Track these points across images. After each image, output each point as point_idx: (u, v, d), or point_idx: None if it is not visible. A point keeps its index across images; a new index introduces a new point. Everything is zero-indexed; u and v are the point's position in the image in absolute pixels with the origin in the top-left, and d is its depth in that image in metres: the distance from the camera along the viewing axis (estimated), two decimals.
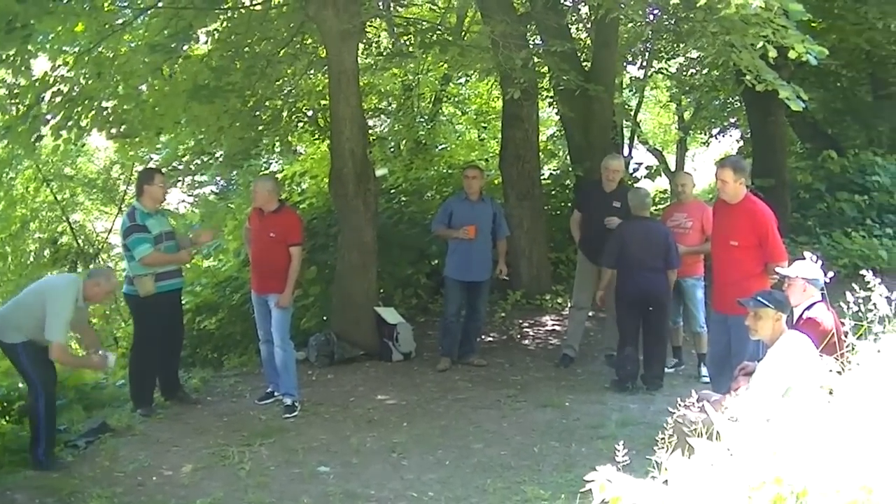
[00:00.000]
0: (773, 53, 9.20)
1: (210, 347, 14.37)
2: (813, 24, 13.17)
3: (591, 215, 11.80)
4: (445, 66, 18.97)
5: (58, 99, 12.14)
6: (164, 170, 14.01)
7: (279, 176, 17.73)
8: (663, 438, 4.45)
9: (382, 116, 22.58)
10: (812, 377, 5.18)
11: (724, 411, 3.81)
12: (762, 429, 3.49)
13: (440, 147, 21.73)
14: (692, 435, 3.92)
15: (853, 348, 4.75)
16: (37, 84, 12.06)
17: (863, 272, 5.70)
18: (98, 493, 7.67)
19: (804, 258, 7.73)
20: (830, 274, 7.49)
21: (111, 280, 9.08)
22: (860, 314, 5.57)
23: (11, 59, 11.34)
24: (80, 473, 8.26)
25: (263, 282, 10.43)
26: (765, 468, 3.20)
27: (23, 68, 11.75)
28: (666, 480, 3.33)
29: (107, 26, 12.10)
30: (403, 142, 21.57)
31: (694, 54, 20.38)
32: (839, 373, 4.36)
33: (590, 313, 12.47)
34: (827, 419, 3.56)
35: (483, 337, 13.14)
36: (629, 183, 17.15)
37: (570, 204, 15.62)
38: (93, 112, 12.78)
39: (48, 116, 12.23)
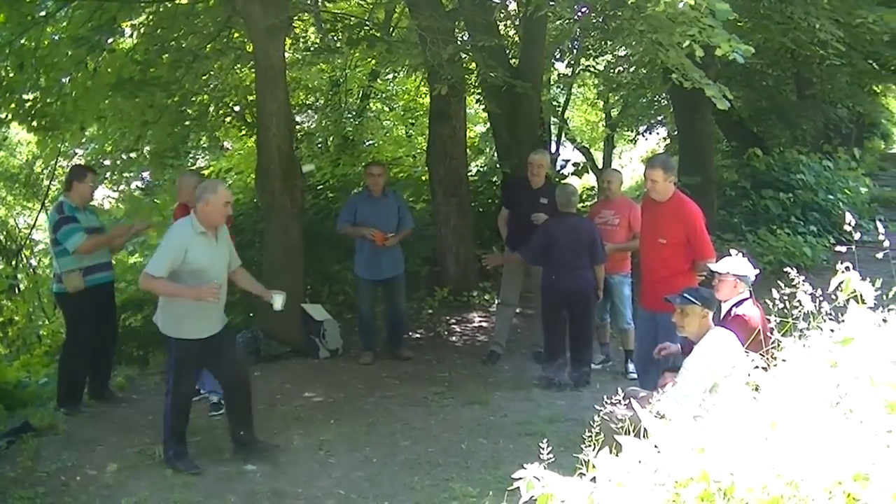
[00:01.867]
0: (699, 52, 9.27)
1: (135, 345, 14.21)
2: (739, 24, 13.29)
3: (519, 212, 11.84)
4: (373, 61, 18.95)
5: None
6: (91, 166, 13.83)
7: (205, 172, 17.60)
8: (591, 436, 4.45)
9: (310, 112, 22.49)
10: (738, 373, 5.21)
11: (652, 408, 3.81)
12: (689, 425, 3.50)
13: (368, 143, 21.71)
14: (620, 432, 3.92)
15: (779, 345, 4.79)
16: None
17: (787, 269, 5.75)
18: (20, 495, 7.55)
19: (731, 255, 7.79)
20: (756, 271, 7.55)
21: (217, 190, 8.38)
22: (785, 311, 5.62)
23: None
24: (2, 474, 8.13)
25: None
26: (692, 465, 3.21)
27: None
28: (594, 478, 3.33)
29: (29, 18, 11.95)
30: (331, 138, 21.48)
31: (622, 52, 20.51)
32: (765, 369, 4.39)
33: (517, 310, 12.47)
34: (753, 415, 3.57)
35: (410, 333, 13.14)
36: (556, 180, 17.21)
37: (497, 201, 15.62)
38: (13, 105, 12.61)
39: None
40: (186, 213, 10.32)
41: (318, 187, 17.56)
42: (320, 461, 8.52)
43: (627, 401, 5.33)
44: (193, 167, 18.60)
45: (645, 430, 3.56)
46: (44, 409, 10.05)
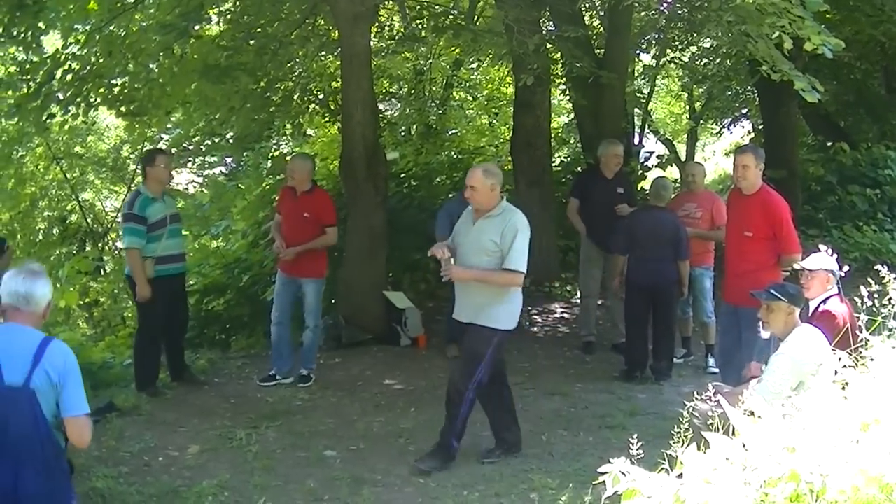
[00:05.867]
0: (789, 44, 9.14)
1: (217, 329, 14.35)
2: (828, 16, 13.09)
3: (594, 203, 11.77)
4: (457, 51, 18.94)
5: (69, 76, 12.09)
6: (173, 150, 13.98)
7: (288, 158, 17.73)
8: (674, 430, 4.40)
9: (393, 101, 22.53)
10: (825, 372, 5.13)
11: (740, 405, 3.76)
12: (778, 424, 3.45)
13: (450, 132, 21.71)
14: (707, 428, 3.88)
15: (867, 343, 4.71)
16: (48, 61, 12.03)
17: (877, 266, 5.65)
18: (104, 473, 7.63)
19: (818, 251, 7.67)
20: (846, 268, 7.41)
21: None
22: (874, 309, 5.52)
23: (23, 35, 11.31)
24: (86, 452, 8.19)
25: (294, 263, 10.42)
26: (781, 464, 3.16)
27: (34, 45, 11.72)
28: (681, 474, 3.29)
29: (118, 5, 12.07)
30: (414, 126, 21.52)
31: (707, 44, 20.31)
32: (852, 367, 4.32)
33: (598, 301, 12.40)
34: (843, 415, 3.52)
35: None
36: (639, 172, 17.11)
37: None
38: (102, 90, 12.75)
39: (59, 94, 12.19)
40: (292, 194, 10.45)
41: (401, 175, 17.58)
42: (399, 449, 8.54)
43: (716, 397, 5.25)
44: (276, 153, 18.70)
45: (733, 427, 3.51)
46: (127, 390, 10.17)
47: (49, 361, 5.16)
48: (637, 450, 3.80)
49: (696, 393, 5.51)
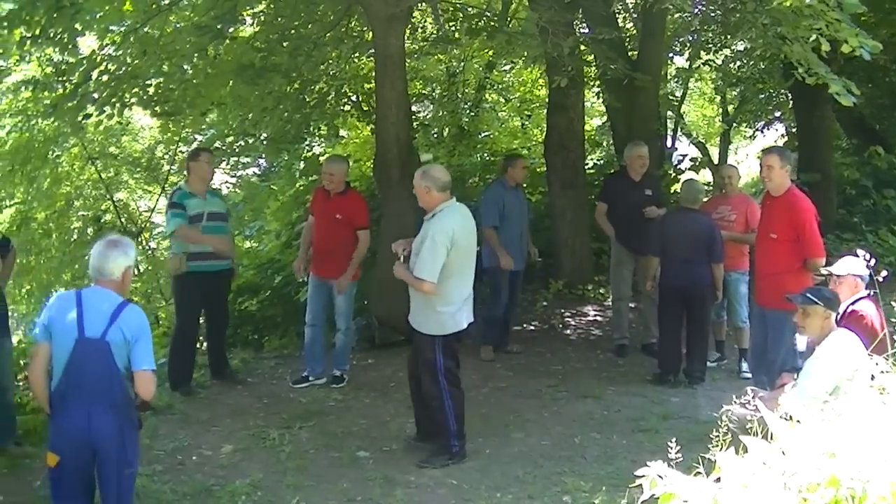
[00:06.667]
0: (825, 47, 9.10)
1: (251, 329, 14.41)
2: (863, 18, 13.02)
3: (623, 206, 11.77)
4: (490, 52, 18.93)
5: (104, 77, 12.15)
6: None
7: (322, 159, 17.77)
8: (707, 434, 4.40)
9: (426, 102, 22.55)
10: (862, 376, 5.11)
11: (777, 409, 3.74)
12: (817, 429, 3.43)
13: (483, 134, 21.69)
14: (744, 432, 3.86)
15: None
16: (84, 62, 12.09)
17: None
18: (138, 471, 7.67)
19: (855, 254, 7.63)
20: (884, 273, 7.34)
21: None
22: None
23: (59, 36, 11.37)
24: None
25: (326, 265, 10.46)
26: (821, 469, 3.14)
27: (70, 46, 11.78)
28: (718, 479, 3.28)
29: (153, 6, 12.11)
30: (447, 128, 21.52)
31: (741, 46, 20.24)
32: (889, 372, 4.30)
33: (631, 304, 12.37)
34: (882, 420, 3.50)
35: (524, 326, 13.11)
36: (672, 175, 17.07)
37: None
38: (137, 90, 12.81)
39: (94, 95, 12.25)
40: (325, 196, 10.48)
41: None
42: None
43: (753, 401, 5.23)
44: (309, 154, 18.74)
45: (770, 432, 3.50)
46: (161, 389, 10.20)
47: (124, 321, 5.85)
48: (676, 453, 3.80)
49: (734, 397, 5.49)
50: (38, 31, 10.98)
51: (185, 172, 10.69)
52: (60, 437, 5.84)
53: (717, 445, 3.78)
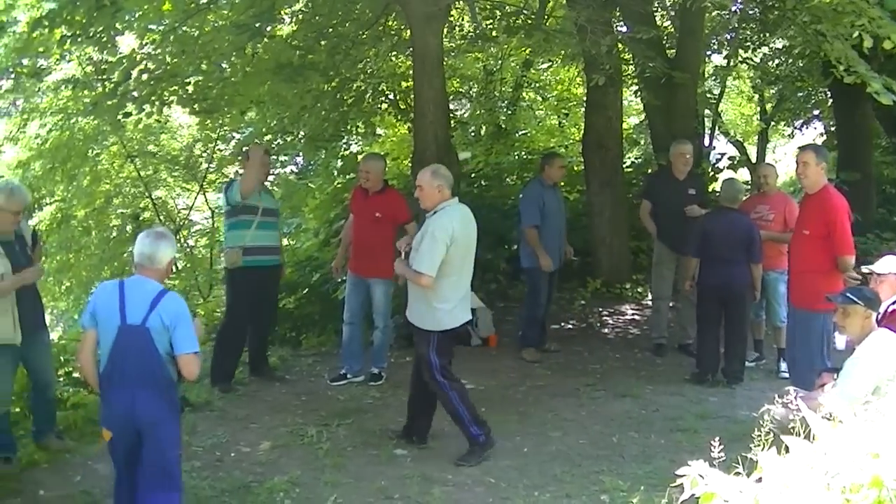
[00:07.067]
0: (868, 43, 9.04)
1: (289, 326, 14.43)
2: None
3: (666, 204, 11.73)
4: (527, 51, 18.92)
5: (144, 76, 12.22)
6: (244, 148, 14.10)
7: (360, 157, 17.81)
8: (746, 434, 4.38)
9: (463, 101, 22.56)
10: None
11: (818, 409, 3.72)
12: (860, 429, 3.41)
13: (520, 133, 21.68)
14: (784, 432, 3.84)
15: None
16: (124, 61, 12.17)
17: None
18: None
19: (893, 254, 7.57)
20: None
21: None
22: None
23: (99, 35, 11.45)
24: None
25: (365, 263, 10.48)
26: (864, 470, 3.12)
27: (110, 45, 11.85)
28: (759, 478, 3.26)
29: (192, 5, 12.17)
30: (484, 126, 21.52)
31: (779, 44, 20.13)
32: None
33: (670, 304, 12.34)
34: None
35: (562, 324, 13.10)
36: (710, 173, 16.99)
37: None
38: (175, 88, 12.87)
39: (134, 93, 12.32)
40: (364, 194, 10.50)
41: (472, 175, 17.60)
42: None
43: (795, 401, 5.20)
44: (346, 153, 18.76)
45: (812, 432, 3.48)
46: (200, 386, 10.27)
47: (163, 308, 6.13)
48: (718, 453, 3.78)
49: (776, 396, 5.47)
50: (78, 31, 11.06)
51: (239, 170, 10.75)
52: (109, 417, 6.25)
53: (757, 445, 3.75)
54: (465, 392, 8.38)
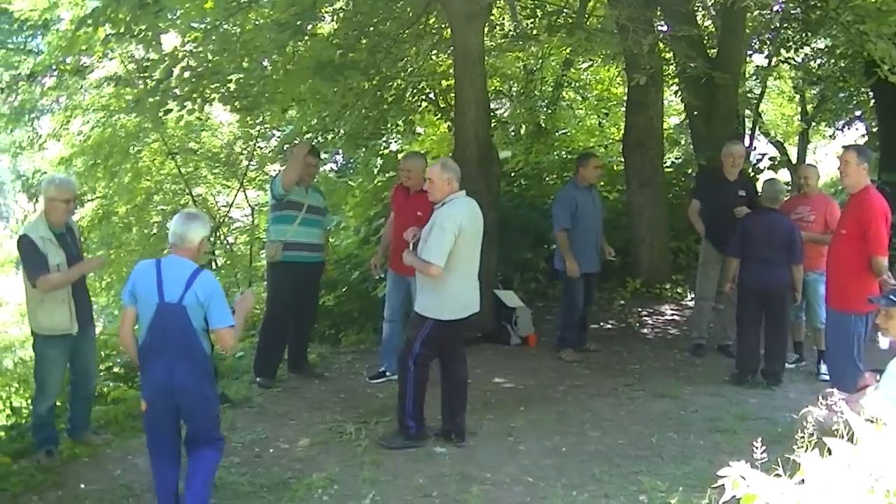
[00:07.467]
0: None
1: (328, 323, 14.44)
2: None
3: (715, 204, 11.65)
4: (568, 50, 18.89)
5: (185, 74, 12.28)
6: (285, 147, 14.14)
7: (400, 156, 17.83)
8: (785, 435, 4.37)
9: (504, 100, 22.55)
10: None
11: (860, 411, 3.70)
12: None
13: (560, 132, 21.66)
14: (826, 433, 3.82)
15: None
16: (166, 59, 12.24)
17: None
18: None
19: None
20: None
21: None
22: None
23: (142, 34, 11.52)
24: None
25: (403, 262, 10.48)
26: None
27: (153, 43, 11.92)
28: (801, 480, 3.25)
29: (233, 4, 12.21)
30: (524, 126, 21.51)
31: (821, 44, 20.00)
32: None
33: (712, 304, 12.29)
34: None
35: (601, 324, 13.07)
36: (751, 174, 16.91)
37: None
38: (216, 85, 12.92)
39: (176, 90, 12.38)
40: (405, 193, 10.51)
41: (512, 175, 17.59)
42: (509, 447, 8.51)
43: (839, 404, 5.17)
44: (386, 151, 18.79)
45: (854, 434, 3.46)
46: (239, 382, 10.35)
47: (199, 286, 6.51)
48: (761, 454, 3.77)
49: (819, 398, 5.44)
50: (122, 29, 11.13)
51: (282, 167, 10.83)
52: (148, 388, 6.70)
53: (798, 447, 3.74)
54: (424, 388, 8.48)
